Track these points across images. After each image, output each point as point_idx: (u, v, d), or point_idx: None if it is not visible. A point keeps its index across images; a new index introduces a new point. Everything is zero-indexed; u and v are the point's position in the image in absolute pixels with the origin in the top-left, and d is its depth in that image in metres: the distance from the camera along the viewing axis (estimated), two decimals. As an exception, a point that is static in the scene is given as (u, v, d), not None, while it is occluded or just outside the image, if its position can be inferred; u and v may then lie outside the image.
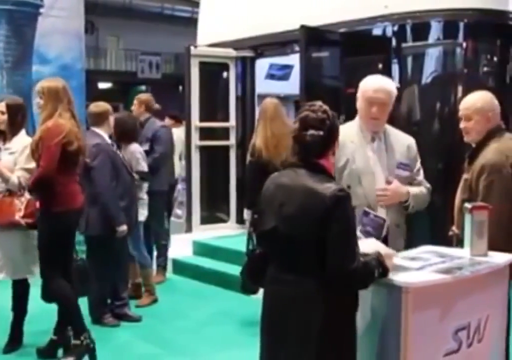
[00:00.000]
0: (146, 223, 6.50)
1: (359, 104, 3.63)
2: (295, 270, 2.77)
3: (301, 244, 2.74)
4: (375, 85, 3.59)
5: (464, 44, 6.82)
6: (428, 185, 3.77)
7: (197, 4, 10.27)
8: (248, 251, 3.26)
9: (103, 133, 5.68)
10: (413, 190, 3.63)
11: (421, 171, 3.79)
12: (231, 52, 8.74)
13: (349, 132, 3.47)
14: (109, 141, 5.73)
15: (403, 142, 3.69)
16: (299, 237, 2.74)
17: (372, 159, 3.52)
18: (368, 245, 2.91)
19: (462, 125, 3.84)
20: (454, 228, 3.81)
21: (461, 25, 6.82)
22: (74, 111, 4.76)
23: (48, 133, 4.57)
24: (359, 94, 3.64)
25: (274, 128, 5.60)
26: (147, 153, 6.76)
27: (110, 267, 5.74)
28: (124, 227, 5.57)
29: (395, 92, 3.68)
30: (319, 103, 2.90)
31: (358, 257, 2.69)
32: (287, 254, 2.80)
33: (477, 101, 3.78)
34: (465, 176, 3.81)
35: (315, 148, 2.82)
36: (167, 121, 8.88)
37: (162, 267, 7.31)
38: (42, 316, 5.18)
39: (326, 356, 2.74)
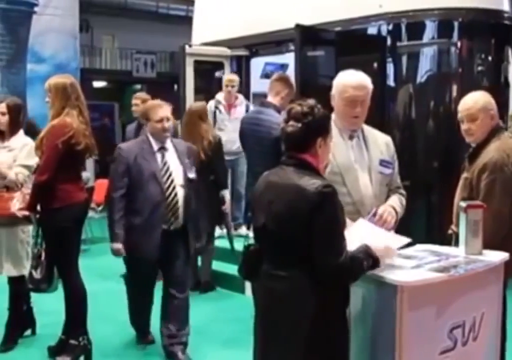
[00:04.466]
0: None
1: (337, 103, 3.43)
2: (286, 266, 2.78)
3: (290, 241, 2.76)
4: (354, 82, 3.40)
5: (459, 43, 6.85)
6: (404, 192, 3.63)
7: (192, 3, 10.26)
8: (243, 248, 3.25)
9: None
10: (397, 203, 3.47)
11: (397, 173, 3.65)
12: (226, 51, 8.74)
13: None
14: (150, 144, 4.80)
15: (381, 139, 3.57)
16: (287, 234, 2.76)
17: (353, 157, 3.41)
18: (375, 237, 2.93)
19: (465, 126, 3.77)
20: (453, 226, 3.80)
21: (456, 24, 6.84)
22: (83, 108, 4.69)
23: (52, 132, 4.54)
24: (335, 92, 3.44)
25: (184, 132, 6.46)
26: None
27: None
28: (116, 246, 4.71)
29: (372, 86, 3.48)
30: (311, 100, 2.91)
31: (345, 251, 2.70)
32: (277, 250, 2.82)
33: (478, 100, 3.76)
34: (465, 175, 3.80)
35: (294, 140, 2.85)
36: None
37: None
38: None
39: (316, 351, 2.75)
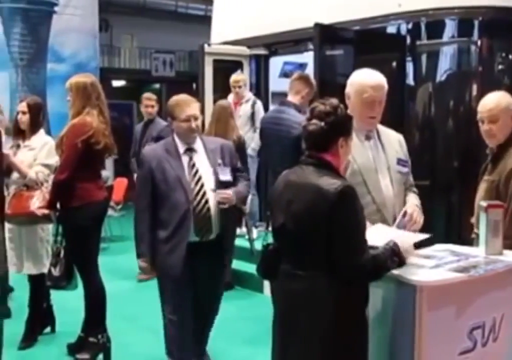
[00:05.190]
0: None
1: (354, 103, 3.34)
2: (305, 265, 2.78)
3: (309, 241, 2.76)
4: (373, 82, 3.33)
5: (479, 42, 6.79)
6: (416, 190, 3.60)
7: (211, 2, 10.27)
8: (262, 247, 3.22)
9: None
10: (418, 202, 3.47)
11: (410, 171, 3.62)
12: (245, 50, 8.74)
13: None
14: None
15: (394, 138, 3.53)
16: (306, 234, 2.76)
17: (372, 158, 3.38)
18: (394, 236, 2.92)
19: (486, 127, 3.70)
20: (476, 230, 3.75)
21: (476, 22, 6.79)
22: (103, 107, 4.72)
23: (73, 131, 4.57)
24: (352, 92, 3.36)
25: (218, 128, 6.36)
26: None
27: None
28: (141, 264, 4.20)
29: (387, 86, 3.42)
30: (334, 99, 2.91)
31: (366, 251, 2.70)
32: (296, 250, 2.83)
33: (500, 101, 3.69)
34: (488, 177, 3.73)
35: (315, 139, 2.85)
36: None
37: None
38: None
39: (335, 351, 2.75)
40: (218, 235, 4.17)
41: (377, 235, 2.90)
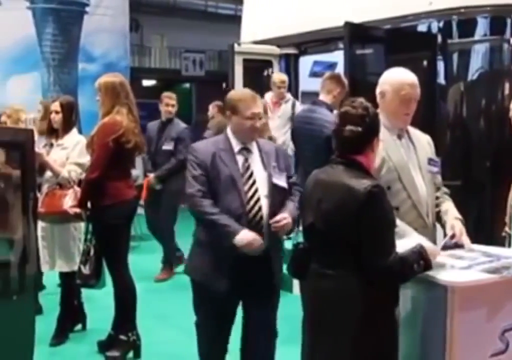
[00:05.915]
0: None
1: (391, 100, 3.34)
2: (334, 265, 2.78)
3: (339, 240, 2.76)
4: (410, 80, 3.35)
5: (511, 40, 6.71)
6: (447, 190, 3.60)
7: (240, 2, 10.28)
8: (292, 247, 3.16)
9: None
10: (457, 213, 3.45)
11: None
12: (275, 49, 8.74)
13: None
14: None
15: (424, 138, 3.54)
16: (336, 233, 2.76)
17: (405, 156, 3.37)
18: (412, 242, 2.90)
19: None
20: (507, 228, 3.72)
21: (509, 21, 6.71)
22: (132, 106, 4.75)
23: (103, 130, 4.61)
24: (390, 90, 3.35)
25: None
26: (172, 153, 7.01)
27: None
28: (242, 237, 3.51)
29: None
30: (360, 99, 2.90)
31: (394, 252, 2.69)
32: (326, 249, 2.83)
33: None
34: None
35: (352, 144, 2.84)
36: (212, 109, 8.97)
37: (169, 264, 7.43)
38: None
39: (364, 351, 2.75)
40: (267, 246, 3.58)
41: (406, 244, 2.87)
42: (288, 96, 7.79)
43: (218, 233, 3.54)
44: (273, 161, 3.72)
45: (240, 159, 3.68)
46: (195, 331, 3.82)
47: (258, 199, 3.60)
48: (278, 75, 7.85)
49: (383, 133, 3.25)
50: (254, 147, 3.75)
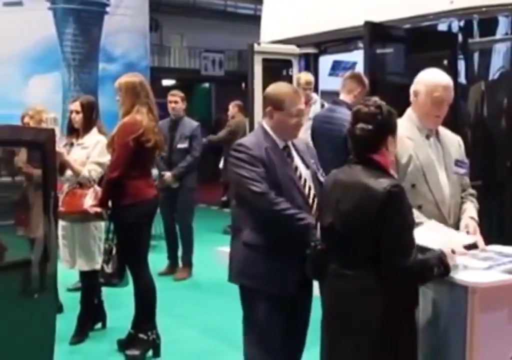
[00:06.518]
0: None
1: (424, 101, 3.36)
2: (353, 265, 2.77)
3: (358, 240, 2.75)
4: (444, 83, 3.37)
5: (533, 39, 6.66)
6: (474, 192, 3.57)
7: (260, 1, 10.28)
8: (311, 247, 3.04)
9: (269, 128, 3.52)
10: (475, 213, 3.41)
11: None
12: (295, 49, 8.72)
13: (403, 129, 3.23)
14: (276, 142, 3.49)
15: (453, 139, 3.55)
16: (355, 234, 2.75)
17: (433, 156, 3.38)
18: (438, 237, 2.89)
19: None
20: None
21: (530, 20, 6.66)
22: (152, 105, 4.76)
23: (123, 129, 4.63)
24: (423, 90, 3.37)
25: None
26: (187, 150, 7.09)
27: None
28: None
29: None
30: (375, 98, 2.89)
31: (414, 253, 2.68)
32: (345, 250, 2.81)
33: None
34: None
35: (364, 142, 2.83)
36: (232, 108, 8.92)
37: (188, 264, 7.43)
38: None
39: (384, 351, 2.73)
40: None
41: (428, 234, 2.87)
42: (315, 97, 7.70)
43: (297, 228, 3.23)
44: (310, 158, 3.54)
45: (286, 157, 3.46)
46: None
47: (315, 198, 3.37)
48: (304, 76, 7.26)
49: (413, 131, 3.31)
50: (291, 145, 3.51)
